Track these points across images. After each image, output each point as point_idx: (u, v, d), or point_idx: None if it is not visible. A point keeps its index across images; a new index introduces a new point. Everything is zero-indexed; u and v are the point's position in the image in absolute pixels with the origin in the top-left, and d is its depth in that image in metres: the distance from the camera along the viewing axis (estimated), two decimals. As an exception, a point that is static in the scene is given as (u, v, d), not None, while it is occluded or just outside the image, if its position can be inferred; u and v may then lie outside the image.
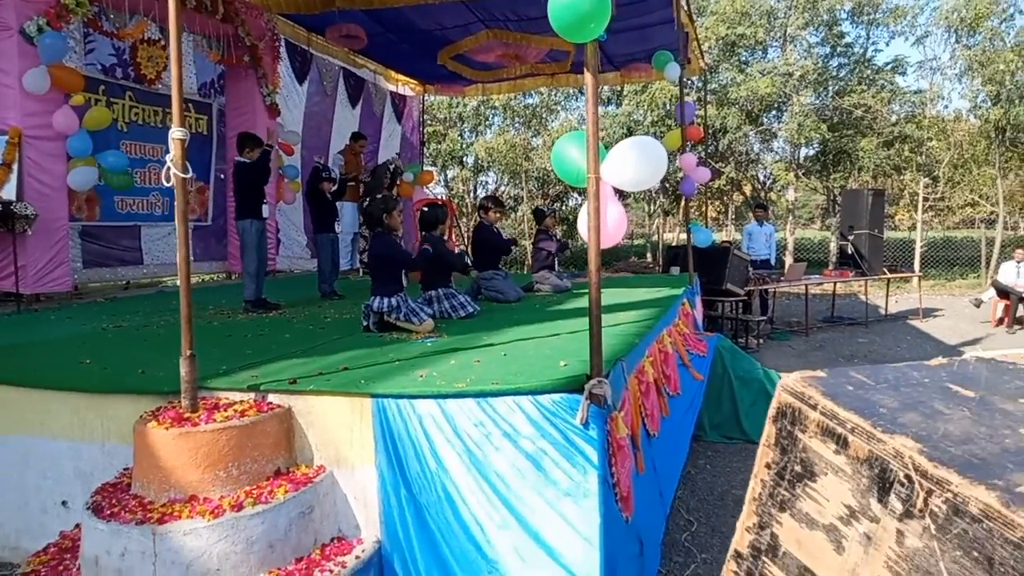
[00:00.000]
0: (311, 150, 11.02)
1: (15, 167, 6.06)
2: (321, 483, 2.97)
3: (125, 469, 3.16)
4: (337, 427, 3.06)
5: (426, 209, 5.78)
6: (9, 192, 6.01)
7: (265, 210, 5.87)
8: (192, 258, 9.20)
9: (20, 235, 6.05)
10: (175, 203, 2.89)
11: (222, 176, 9.34)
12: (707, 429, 5.80)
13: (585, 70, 2.70)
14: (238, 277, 9.47)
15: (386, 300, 4.64)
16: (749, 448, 5.66)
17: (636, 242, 25.78)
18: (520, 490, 2.80)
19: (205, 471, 2.76)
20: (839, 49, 17.58)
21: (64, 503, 3.46)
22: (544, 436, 2.79)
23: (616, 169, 2.74)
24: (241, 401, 3.07)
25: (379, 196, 5.96)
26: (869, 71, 17.17)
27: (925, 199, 16.31)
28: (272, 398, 3.13)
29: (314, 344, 4.26)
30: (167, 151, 8.19)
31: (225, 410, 2.95)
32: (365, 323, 4.71)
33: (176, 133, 2.84)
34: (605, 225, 2.74)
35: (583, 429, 2.74)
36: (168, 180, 2.86)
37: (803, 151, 18.00)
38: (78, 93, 6.57)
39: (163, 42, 8.10)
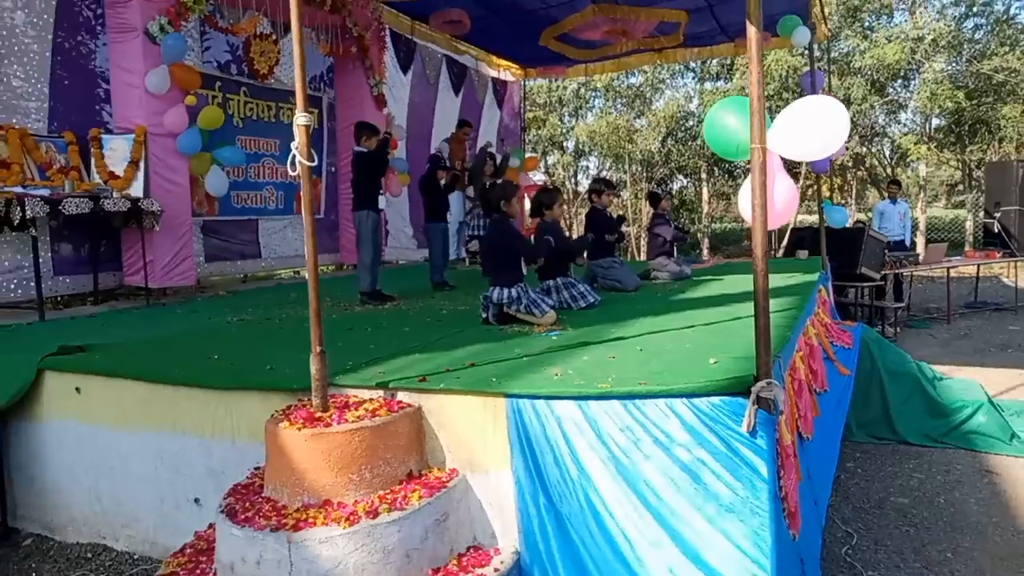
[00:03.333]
0: (414, 139, 11.00)
1: (141, 164, 6.25)
2: (455, 488, 2.77)
3: (256, 468, 3.09)
4: (469, 428, 2.86)
5: (539, 194, 5.52)
6: (137, 190, 6.20)
7: (382, 201, 5.80)
8: (306, 250, 9.41)
9: (148, 231, 6.25)
10: (301, 193, 2.75)
11: (333, 170, 9.44)
12: (853, 429, 5.28)
13: (748, 23, 2.34)
14: (349, 268, 9.58)
15: (506, 291, 4.42)
16: (902, 450, 5.12)
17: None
18: (675, 504, 2.50)
19: (339, 474, 2.62)
20: (976, 8, 15.99)
21: (196, 500, 3.44)
22: (702, 444, 2.47)
23: (787, 136, 2.37)
24: (371, 400, 2.92)
25: (498, 182, 5.74)
26: (1012, 30, 15.51)
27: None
28: (401, 396, 2.96)
29: (435, 338, 4.09)
30: (285, 143, 8.31)
31: (356, 409, 2.80)
32: (484, 315, 4.51)
33: (301, 119, 2.69)
34: (772, 203, 2.38)
35: (750, 438, 2.40)
36: (294, 169, 2.71)
37: (934, 122, 16.54)
38: (195, 90, 6.73)
39: (275, 36, 8.21)
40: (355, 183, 5.99)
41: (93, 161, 6.22)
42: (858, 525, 3.92)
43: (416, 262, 10.74)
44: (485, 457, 2.82)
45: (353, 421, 2.68)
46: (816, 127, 2.33)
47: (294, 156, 2.72)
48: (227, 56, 7.99)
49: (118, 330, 4.88)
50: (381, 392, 2.98)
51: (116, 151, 6.29)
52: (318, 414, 2.74)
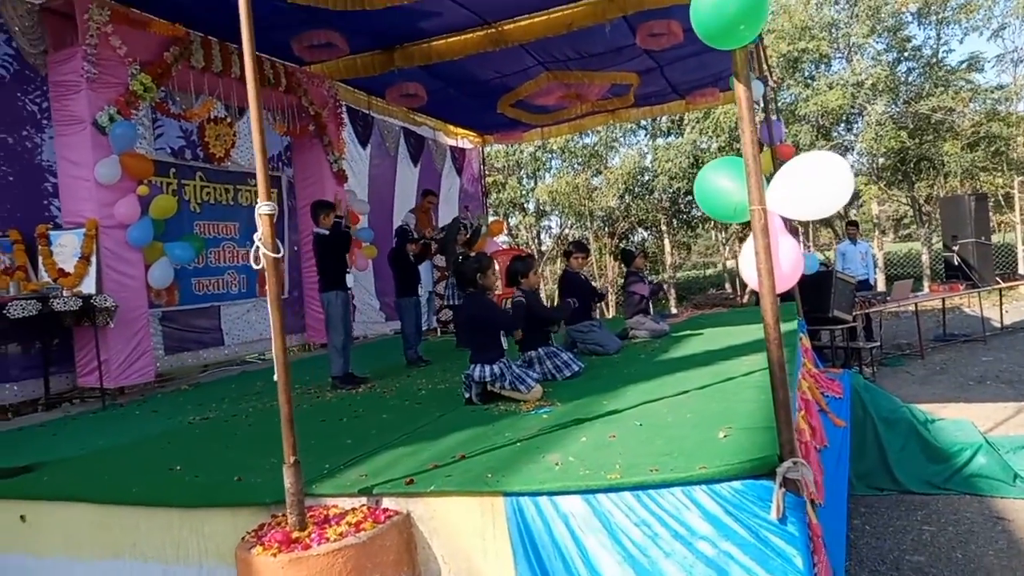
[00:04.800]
0: (376, 212, 10.85)
1: (93, 259, 5.94)
2: (454, 604, 2.49)
3: (228, 596, 2.76)
4: (466, 534, 2.59)
5: (514, 262, 5.36)
6: (88, 286, 5.88)
7: (349, 280, 5.56)
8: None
9: (102, 328, 5.90)
10: (267, 286, 2.53)
11: (296, 248, 9.20)
12: (853, 482, 5.08)
13: (736, 82, 2.24)
14: (316, 348, 9.26)
15: (488, 368, 4.19)
16: (906, 500, 4.94)
17: (708, 272, 24.93)
18: (703, 604, 2.25)
19: (322, 603, 2.32)
20: (906, 53, 16.71)
21: (163, 634, 3.07)
22: (727, 536, 2.25)
23: (788, 196, 2.24)
24: (353, 510, 2.64)
25: (472, 255, 5.57)
26: (942, 72, 16.22)
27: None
28: (387, 502, 2.69)
29: (417, 425, 3.83)
30: (244, 226, 7.97)
31: (338, 524, 2.51)
32: (467, 395, 4.27)
33: (263, 208, 2.49)
34: (779, 266, 2.23)
35: (780, 525, 2.19)
36: (258, 262, 2.50)
37: (879, 161, 17.06)
38: (148, 179, 6.50)
39: (229, 119, 8.07)
40: (318, 264, 5.78)
41: (41, 259, 5.91)
42: (880, 592, 3.70)
43: (385, 335, 10.45)
44: (485, 565, 2.55)
45: (335, 540, 2.40)
46: (817, 184, 2.21)
47: (258, 247, 2.51)
48: (181, 142, 7.81)
49: (70, 441, 4.51)
50: (364, 499, 2.71)
51: (66, 247, 5.99)
52: (295, 534, 2.45)
